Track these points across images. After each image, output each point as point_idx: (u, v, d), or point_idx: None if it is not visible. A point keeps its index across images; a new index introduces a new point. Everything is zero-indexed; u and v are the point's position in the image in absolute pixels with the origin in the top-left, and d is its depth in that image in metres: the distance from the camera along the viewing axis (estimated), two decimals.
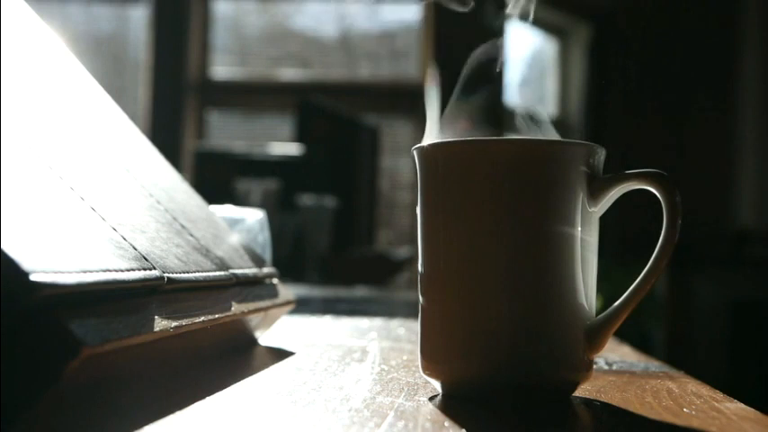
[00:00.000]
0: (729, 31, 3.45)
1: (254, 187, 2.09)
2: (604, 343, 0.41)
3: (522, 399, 0.40)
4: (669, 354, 2.98)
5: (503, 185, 0.40)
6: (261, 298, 0.57)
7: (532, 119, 0.45)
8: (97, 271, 0.34)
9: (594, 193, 0.41)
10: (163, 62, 3.46)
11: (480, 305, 0.40)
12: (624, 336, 0.69)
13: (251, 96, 3.55)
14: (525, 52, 3.70)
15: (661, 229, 0.41)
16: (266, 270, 0.63)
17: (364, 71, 3.56)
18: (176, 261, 0.44)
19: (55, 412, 0.32)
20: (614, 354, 0.60)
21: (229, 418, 0.35)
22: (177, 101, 3.46)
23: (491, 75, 0.46)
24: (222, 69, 3.57)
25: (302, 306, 0.88)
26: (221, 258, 0.54)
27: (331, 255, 2.12)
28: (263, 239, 0.70)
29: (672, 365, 0.55)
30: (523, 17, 0.45)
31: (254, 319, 0.57)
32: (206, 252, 0.52)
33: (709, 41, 3.44)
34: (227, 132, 3.59)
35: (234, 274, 0.53)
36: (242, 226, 0.68)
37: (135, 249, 0.40)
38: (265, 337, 0.63)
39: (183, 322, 0.41)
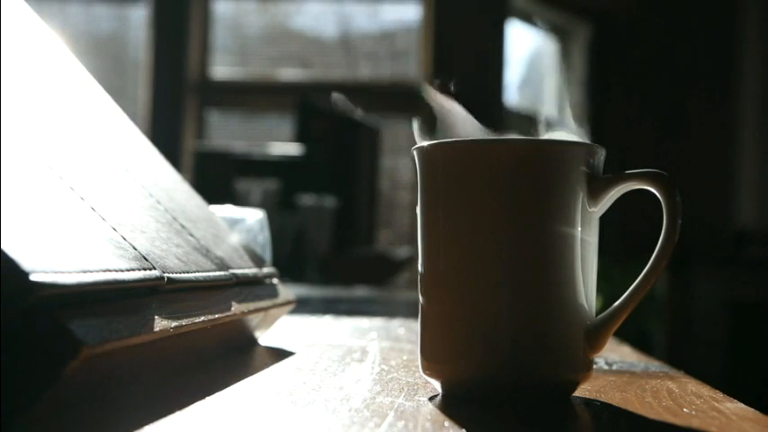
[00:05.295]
0: (729, 31, 3.45)
1: (254, 187, 2.09)
2: (604, 343, 0.41)
3: (522, 399, 0.40)
4: (669, 354, 2.98)
5: (503, 185, 0.40)
6: (261, 298, 0.57)
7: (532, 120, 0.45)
8: (97, 271, 0.34)
9: (594, 193, 0.41)
10: (163, 62, 3.46)
11: (480, 305, 0.40)
12: (624, 336, 0.69)
13: (251, 96, 3.55)
14: (525, 52, 3.71)
15: (661, 229, 0.41)
16: (266, 270, 0.63)
17: (364, 71, 3.56)
18: (176, 261, 0.44)
19: (55, 412, 0.32)
20: (614, 354, 0.60)
21: (229, 418, 0.35)
22: (177, 101, 3.46)
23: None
24: (222, 69, 3.57)
25: (302, 306, 0.88)
26: (221, 258, 0.54)
27: (331, 255, 2.12)
28: (263, 239, 0.70)
29: (672, 365, 0.55)
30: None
31: (254, 319, 0.57)
32: (206, 252, 0.52)
33: (709, 41, 3.44)
34: (227, 132, 3.58)
35: (234, 274, 0.53)
36: (242, 226, 0.69)
37: (135, 249, 0.40)
38: (265, 337, 0.63)
39: (183, 322, 0.41)
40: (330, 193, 2.22)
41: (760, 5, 3.44)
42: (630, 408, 0.39)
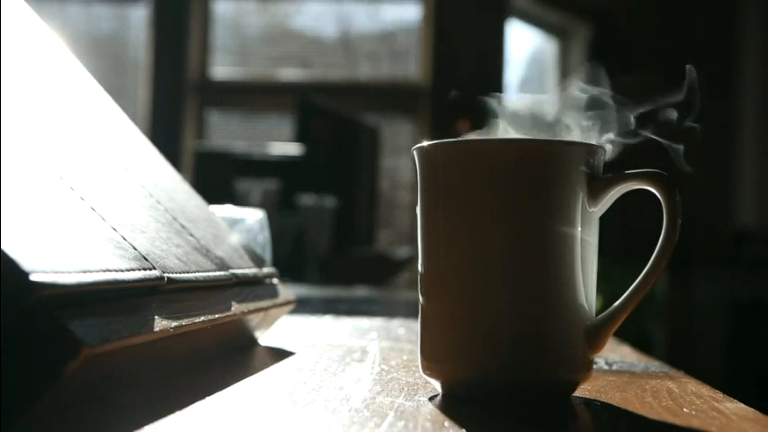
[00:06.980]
0: (729, 31, 3.45)
1: (254, 187, 2.09)
2: (604, 343, 0.41)
3: (522, 399, 0.40)
4: (669, 354, 2.98)
5: (503, 186, 0.40)
6: (261, 298, 0.57)
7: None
8: (97, 271, 0.34)
9: (594, 193, 0.41)
10: (163, 62, 3.46)
11: (480, 305, 0.40)
12: (624, 336, 0.69)
13: (251, 96, 3.55)
14: (525, 52, 3.71)
15: (661, 229, 0.41)
16: (266, 270, 0.63)
17: (364, 71, 3.56)
18: (176, 261, 0.44)
19: (55, 412, 0.32)
20: (614, 354, 0.60)
21: (229, 418, 0.35)
22: (177, 101, 3.46)
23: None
24: (222, 69, 3.57)
25: (302, 306, 0.88)
26: (221, 258, 0.54)
27: (331, 255, 2.12)
28: (263, 239, 0.70)
29: (672, 365, 0.55)
30: None
31: (254, 319, 0.57)
32: (206, 252, 0.52)
33: (709, 41, 3.44)
34: (227, 132, 3.59)
35: (234, 274, 0.53)
36: (242, 226, 0.69)
37: (135, 249, 0.40)
38: (265, 337, 0.63)
39: (183, 322, 0.41)
40: (330, 193, 2.22)
41: (760, 5, 3.44)
42: (630, 408, 0.39)
